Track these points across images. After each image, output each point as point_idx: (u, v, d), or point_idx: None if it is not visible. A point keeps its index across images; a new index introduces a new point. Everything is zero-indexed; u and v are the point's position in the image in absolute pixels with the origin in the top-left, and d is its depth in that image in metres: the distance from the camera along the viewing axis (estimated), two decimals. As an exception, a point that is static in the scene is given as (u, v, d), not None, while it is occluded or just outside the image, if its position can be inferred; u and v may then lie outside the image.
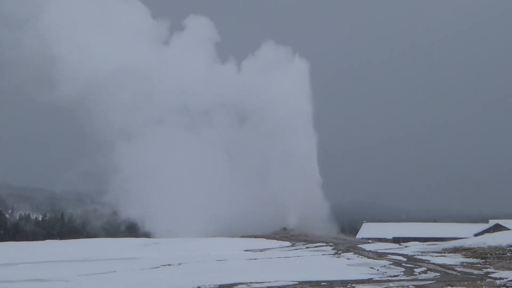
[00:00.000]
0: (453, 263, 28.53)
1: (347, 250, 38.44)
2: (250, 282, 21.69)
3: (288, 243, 46.73)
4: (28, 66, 70.63)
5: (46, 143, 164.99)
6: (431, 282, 21.31)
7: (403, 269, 26.07)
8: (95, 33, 69.89)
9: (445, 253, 34.87)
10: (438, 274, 24.20)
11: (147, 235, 63.72)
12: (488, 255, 31.75)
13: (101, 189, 77.33)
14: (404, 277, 23.15)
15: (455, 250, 35.86)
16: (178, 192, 65.09)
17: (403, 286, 20.05)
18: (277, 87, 67.88)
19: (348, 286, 20.19)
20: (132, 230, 72.09)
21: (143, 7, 73.08)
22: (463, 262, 29.14)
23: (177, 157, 67.47)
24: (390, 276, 23.52)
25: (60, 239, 60.89)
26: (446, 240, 47.08)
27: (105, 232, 72.86)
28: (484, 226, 69.60)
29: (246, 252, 39.11)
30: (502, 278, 21.88)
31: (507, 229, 58.31)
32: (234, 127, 72.19)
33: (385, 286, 20.02)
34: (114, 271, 27.15)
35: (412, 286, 19.84)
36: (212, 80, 71.33)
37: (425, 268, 26.27)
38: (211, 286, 20.86)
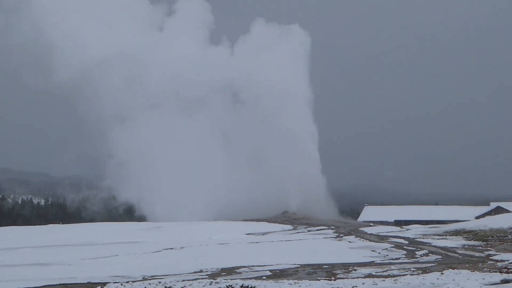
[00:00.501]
0: (454, 246, 28.59)
1: (349, 233, 38.54)
2: (252, 266, 21.73)
3: (289, 227, 46.84)
4: (22, 52, 70.38)
5: (42, 128, 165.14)
6: (433, 264, 21.33)
7: (405, 252, 26.11)
8: (90, 18, 69.30)
9: (446, 235, 34.96)
10: (440, 256, 24.23)
11: (143, 218, 63.85)
12: (490, 238, 31.83)
13: (98, 173, 77.64)
14: (406, 260, 23.19)
15: (456, 232, 35.96)
16: (175, 176, 65.00)
17: (404, 268, 20.06)
18: (273, 66, 66.75)
19: (350, 269, 20.21)
20: (130, 214, 72.28)
21: None
22: (464, 245, 29.21)
23: (172, 141, 67.25)
24: (392, 259, 23.56)
25: (62, 223, 61.03)
26: (447, 223, 47.20)
27: (106, 217, 73.03)
28: (486, 208, 69.67)
29: (248, 235, 39.28)
30: (504, 261, 21.89)
31: (509, 211, 58.42)
32: (229, 111, 71.77)
33: (386, 269, 20.04)
34: (116, 255, 27.25)
35: (413, 269, 19.84)
36: (206, 63, 70.58)
37: (426, 251, 26.31)
38: (213, 270, 20.90)
